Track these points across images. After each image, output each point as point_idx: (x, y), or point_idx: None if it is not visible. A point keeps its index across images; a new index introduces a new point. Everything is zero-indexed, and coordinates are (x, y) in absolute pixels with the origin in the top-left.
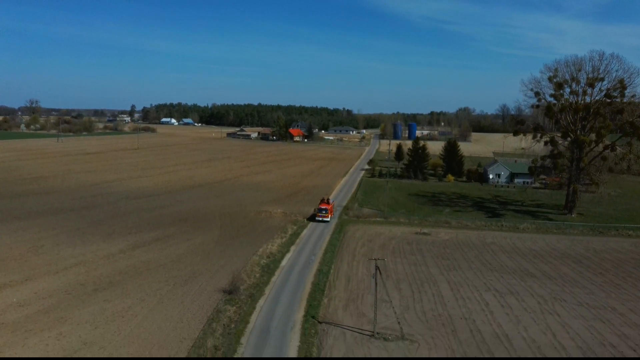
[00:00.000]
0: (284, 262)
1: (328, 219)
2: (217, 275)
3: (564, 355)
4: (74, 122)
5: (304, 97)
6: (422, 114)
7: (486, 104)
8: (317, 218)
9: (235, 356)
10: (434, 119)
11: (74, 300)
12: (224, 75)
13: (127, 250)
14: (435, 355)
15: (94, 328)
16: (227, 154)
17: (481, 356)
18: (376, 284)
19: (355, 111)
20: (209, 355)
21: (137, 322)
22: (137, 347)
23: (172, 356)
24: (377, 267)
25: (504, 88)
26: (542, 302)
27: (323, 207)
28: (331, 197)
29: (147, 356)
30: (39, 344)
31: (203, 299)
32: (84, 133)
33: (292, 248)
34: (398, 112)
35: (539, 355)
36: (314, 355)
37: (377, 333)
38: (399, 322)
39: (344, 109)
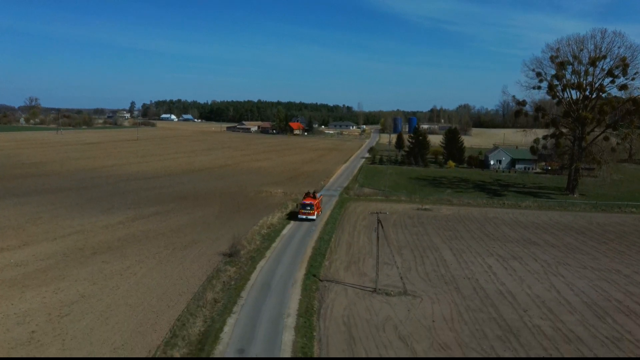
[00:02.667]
0: (284, 232)
1: (314, 217)
2: (217, 242)
3: (569, 309)
4: (73, 117)
5: (304, 95)
6: (422, 112)
7: (486, 101)
8: (299, 216)
9: (234, 308)
10: (434, 115)
11: (72, 262)
12: (224, 74)
13: (126, 221)
14: (438, 308)
15: (92, 284)
16: (227, 145)
17: (485, 309)
18: (377, 237)
19: (355, 108)
20: (208, 307)
21: (136, 279)
22: (135, 300)
23: (173, 305)
24: (379, 221)
25: (505, 86)
26: (545, 265)
27: (307, 202)
28: (331, 181)
29: (147, 307)
30: (36, 296)
31: (203, 261)
32: (84, 127)
33: (293, 220)
34: (398, 110)
35: (544, 309)
36: (315, 308)
37: (379, 289)
38: (401, 278)
39: (344, 105)
